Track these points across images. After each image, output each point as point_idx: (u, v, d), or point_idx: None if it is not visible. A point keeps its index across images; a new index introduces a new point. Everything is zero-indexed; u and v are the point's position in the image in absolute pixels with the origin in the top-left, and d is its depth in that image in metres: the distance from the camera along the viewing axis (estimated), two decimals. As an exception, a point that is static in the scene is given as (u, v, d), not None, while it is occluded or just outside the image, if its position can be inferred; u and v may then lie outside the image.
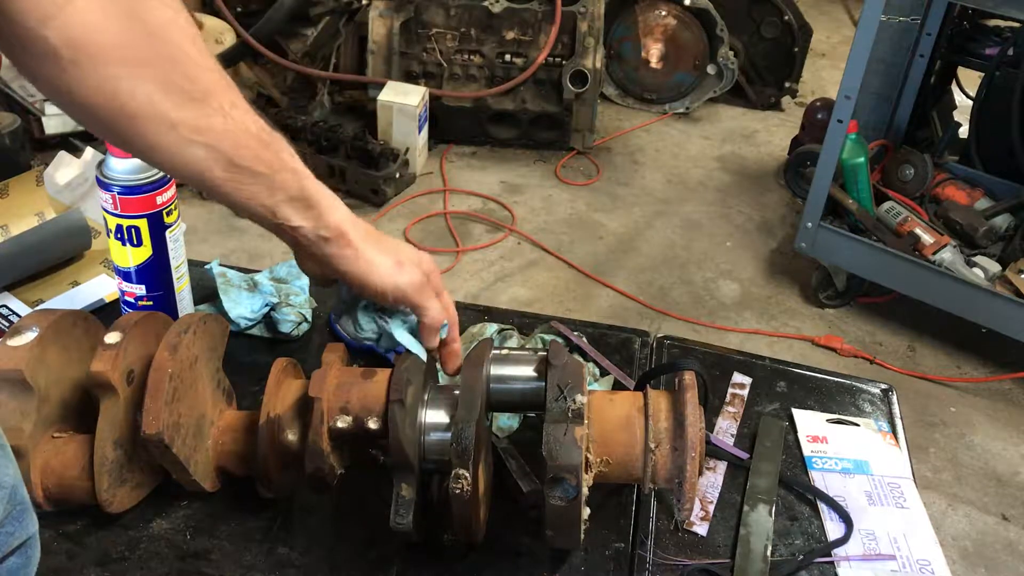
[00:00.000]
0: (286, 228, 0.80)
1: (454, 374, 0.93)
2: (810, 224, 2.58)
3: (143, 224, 0.95)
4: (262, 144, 0.77)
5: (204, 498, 0.86)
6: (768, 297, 2.80)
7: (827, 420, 1.04)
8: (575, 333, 1.11)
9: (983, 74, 2.79)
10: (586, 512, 0.77)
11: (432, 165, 3.35)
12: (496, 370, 0.83)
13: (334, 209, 0.82)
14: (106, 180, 0.93)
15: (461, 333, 1.10)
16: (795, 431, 1.02)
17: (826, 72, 4.32)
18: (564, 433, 0.74)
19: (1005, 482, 2.19)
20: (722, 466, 0.97)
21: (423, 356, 0.87)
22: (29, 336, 0.76)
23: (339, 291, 0.98)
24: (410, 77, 3.34)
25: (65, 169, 1.40)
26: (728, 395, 1.07)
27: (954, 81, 3.05)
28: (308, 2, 3.35)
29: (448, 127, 3.41)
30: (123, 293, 1.02)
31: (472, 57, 3.35)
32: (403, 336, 0.93)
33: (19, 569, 0.61)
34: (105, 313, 1.10)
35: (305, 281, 1.14)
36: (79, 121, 0.73)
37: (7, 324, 1.09)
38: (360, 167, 3.04)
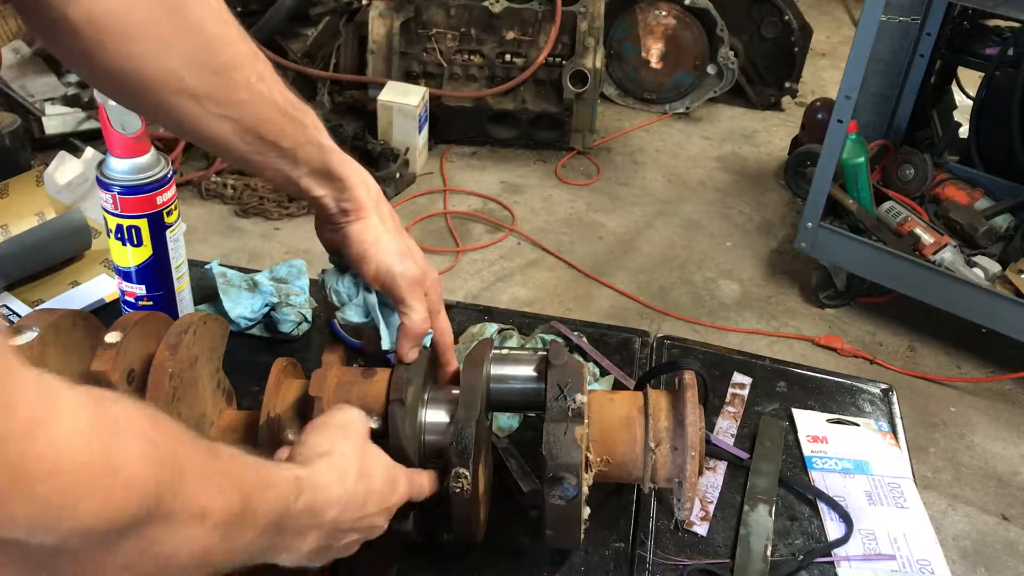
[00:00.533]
0: (309, 196, 0.82)
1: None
2: (810, 224, 2.58)
3: (143, 224, 0.95)
4: (288, 118, 0.77)
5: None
6: (768, 297, 2.80)
7: (827, 420, 1.04)
8: (575, 333, 1.11)
9: (983, 74, 2.79)
10: (586, 512, 0.77)
11: (432, 165, 3.35)
12: (496, 370, 0.83)
13: (360, 184, 0.83)
14: (106, 180, 0.93)
15: (461, 333, 1.10)
16: (795, 431, 1.02)
17: (826, 72, 4.32)
18: (564, 432, 0.74)
19: (1005, 482, 2.19)
20: (722, 466, 0.97)
21: (387, 347, 0.85)
22: (29, 336, 0.76)
23: (341, 257, 0.92)
24: (410, 77, 3.34)
25: (65, 169, 1.40)
26: (728, 395, 1.07)
27: (954, 81, 3.05)
28: (308, 2, 3.35)
29: (448, 127, 3.41)
30: (123, 293, 1.02)
31: (472, 57, 3.35)
32: (384, 320, 0.88)
33: None
34: (105, 313, 1.10)
35: (305, 281, 1.14)
36: (106, 93, 0.75)
37: (7, 324, 1.09)
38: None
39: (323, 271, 0.93)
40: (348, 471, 0.68)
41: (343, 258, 0.89)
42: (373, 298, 0.88)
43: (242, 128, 0.74)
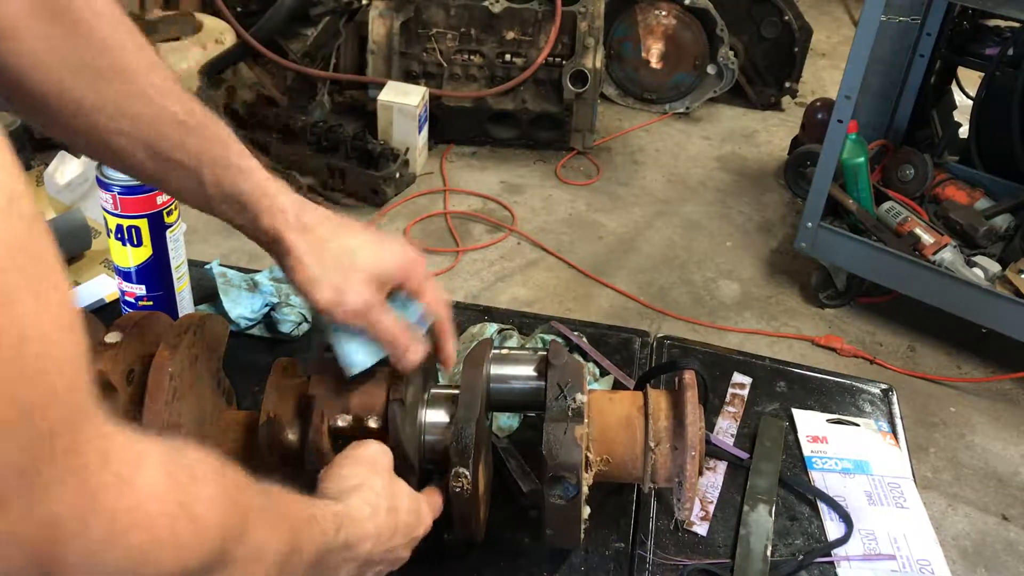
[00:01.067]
0: (231, 223, 0.74)
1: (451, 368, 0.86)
2: (810, 224, 2.58)
3: (143, 224, 0.95)
4: (187, 132, 0.69)
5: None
6: (768, 297, 2.80)
7: (827, 420, 1.04)
8: (575, 333, 1.12)
9: (983, 74, 2.79)
10: (586, 511, 0.77)
11: (432, 165, 3.35)
12: (496, 370, 0.83)
13: (274, 212, 0.72)
14: (106, 180, 0.93)
15: (461, 333, 1.10)
16: (795, 431, 1.02)
17: (826, 72, 4.32)
18: (564, 432, 0.74)
19: (1005, 482, 2.19)
20: (722, 466, 0.97)
21: (366, 364, 0.77)
22: (29, 336, 0.76)
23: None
24: (410, 77, 3.34)
25: (65, 169, 1.40)
26: (728, 395, 1.07)
27: (954, 81, 3.05)
28: (308, 2, 3.35)
29: (448, 127, 3.41)
30: (123, 293, 1.02)
31: (472, 57, 3.35)
32: (348, 345, 0.77)
33: None
34: (105, 313, 1.10)
35: (305, 281, 1.14)
36: (8, 107, 0.68)
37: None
38: (360, 167, 3.04)
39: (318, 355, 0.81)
40: (379, 505, 0.68)
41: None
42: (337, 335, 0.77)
43: (140, 143, 0.67)
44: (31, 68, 0.63)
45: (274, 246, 0.73)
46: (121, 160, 0.69)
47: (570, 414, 0.75)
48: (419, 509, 0.74)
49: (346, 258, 0.74)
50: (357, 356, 0.76)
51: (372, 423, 0.78)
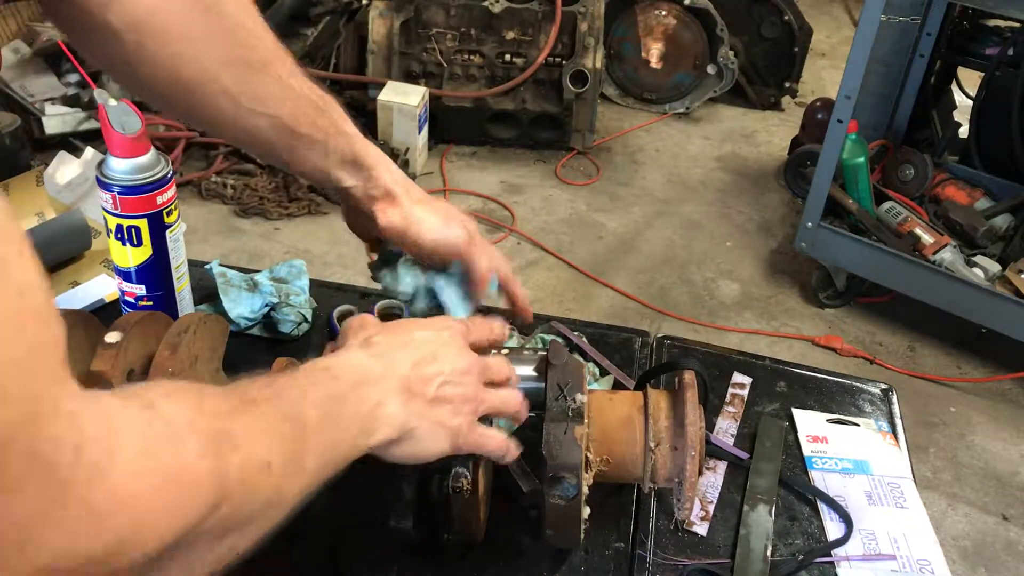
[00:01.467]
0: (339, 187, 0.83)
1: (530, 323, 0.95)
2: (810, 224, 2.58)
3: (143, 224, 0.95)
4: (318, 111, 0.78)
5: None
6: (768, 297, 2.80)
7: (827, 420, 1.04)
8: (575, 333, 1.11)
9: (983, 74, 2.79)
10: (586, 512, 0.77)
11: (432, 165, 3.35)
12: (496, 370, 0.83)
13: (385, 171, 0.83)
14: (106, 180, 0.93)
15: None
16: (795, 431, 1.02)
17: (826, 72, 4.32)
18: (564, 432, 0.74)
19: (1005, 482, 2.19)
20: (722, 466, 0.97)
21: (463, 315, 0.86)
22: (29, 336, 0.76)
23: (383, 247, 0.94)
24: (410, 77, 3.34)
25: (65, 169, 1.40)
26: (728, 395, 1.07)
27: (954, 81, 3.05)
28: (308, 2, 3.35)
29: (448, 127, 3.41)
30: (123, 293, 1.02)
31: (472, 57, 3.35)
32: (448, 292, 0.89)
33: None
34: (105, 313, 1.10)
35: (305, 281, 1.14)
36: (142, 96, 0.75)
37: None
38: (360, 167, 3.03)
39: (371, 266, 0.93)
40: (399, 338, 0.70)
41: (385, 246, 0.91)
42: (437, 280, 0.89)
43: (277, 124, 0.76)
44: (189, 65, 0.70)
45: (385, 200, 0.83)
46: (253, 137, 0.76)
47: (570, 414, 0.75)
48: (445, 323, 0.75)
49: (443, 208, 0.87)
50: (460, 307, 0.87)
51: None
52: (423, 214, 0.84)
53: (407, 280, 0.89)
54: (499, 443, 0.73)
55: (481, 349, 0.76)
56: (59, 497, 0.38)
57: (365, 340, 0.70)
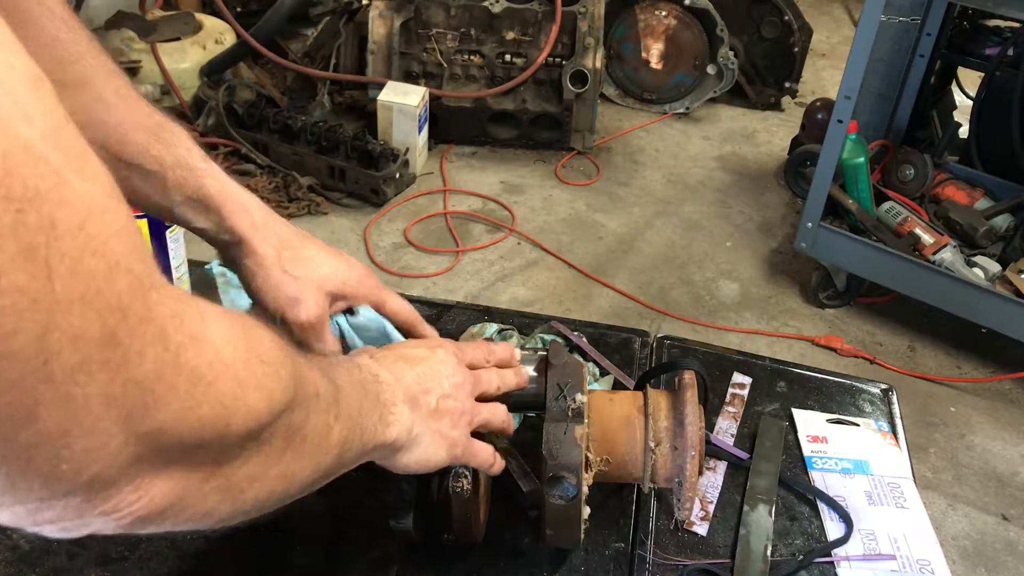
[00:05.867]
0: (193, 229, 0.74)
1: None
2: (810, 224, 2.58)
3: (143, 224, 0.95)
4: (153, 137, 0.69)
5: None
6: (768, 297, 2.80)
7: (827, 420, 1.04)
8: (575, 333, 1.11)
9: (983, 74, 2.79)
10: (586, 512, 0.77)
11: (432, 165, 3.35)
12: (496, 370, 0.83)
13: (236, 212, 0.73)
14: (106, 180, 0.93)
15: (461, 333, 1.10)
16: (795, 431, 1.02)
17: (826, 72, 4.32)
18: (564, 432, 0.74)
19: (1005, 482, 2.19)
20: (722, 466, 0.97)
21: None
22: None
23: None
24: (410, 77, 3.34)
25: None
26: (728, 395, 1.07)
27: (954, 81, 3.05)
28: (308, 2, 3.35)
29: (448, 127, 3.41)
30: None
31: (472, 57, 3.35)
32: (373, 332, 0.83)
33: None
34: (105, 313, 1.10)
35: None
36: None
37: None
38: (360, 167, 3.04)
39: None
40: (407, 352, 0.72)
41: None
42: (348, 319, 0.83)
43: (103, 150, 0.66)
44: None
45: (236, 248, 0.74)
46: None
47: (570, 414, 0.75)
48: (440, 344, 0.76)
49: (305, 267, 0.77)
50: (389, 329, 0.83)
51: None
52: (275, 279, 0.74)
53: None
54: (487, 455, 0.75)
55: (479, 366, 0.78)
56: (172, 362, 0.39)
57: (369, 354, 0.71)
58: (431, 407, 0.70)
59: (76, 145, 0.36)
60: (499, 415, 0.77)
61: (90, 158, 0.36)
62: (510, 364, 0.81)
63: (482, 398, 0.76)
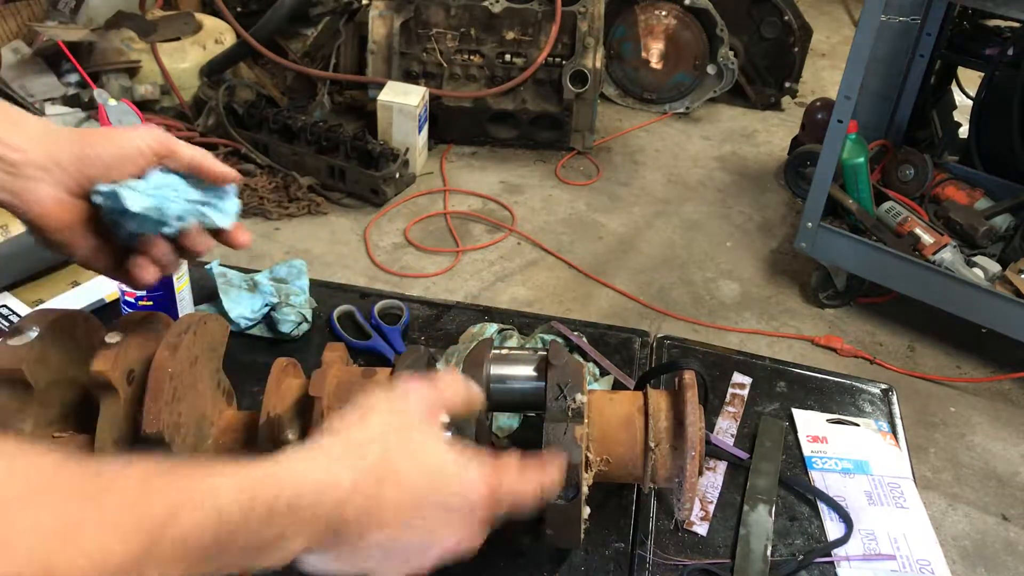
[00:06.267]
0: None
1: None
2: (810, 224, 2.58)
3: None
4: None
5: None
6: (768, 297, 2.80)
7: (827, 420, 1.04)
8: (575, 333, 1.11)
9: (983, 74, 2.79)
10: (586, 512, 0.77)
11: (432, 165, 3.35)
12: (496, 370, 0.83)
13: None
14: (106, 180, 0.93)
15: (461, 333, 1.10)
16: (795, 431, 1.02)
17: (826, 72, 4.32)
18: (564, 432, 0.74)
19: (1005, 482, 2.19)
20: (722, 466, 0.97)
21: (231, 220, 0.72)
22: (29, 336, 0.76)
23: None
24: (410, 77, 3.34)
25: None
26: (728, 395, 1.07)
27: (954, 81, 3.05)
28: (308, 2, 3.35)
29: (448, 127, 3.41)
30: (123, 293, 1.02)
31: (472, 57, 3.35)
32: (190, 197, 0.71)
33: None
34: (105, 313, 1.10)
35: (305, 281, 1.14)
36: None
37: (7, 324, 1.09)
38: (360, 167, 3.04)
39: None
40: (367, 453, 0.55)
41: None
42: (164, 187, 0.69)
43: None
44: None
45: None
46: None
47: (570, 414, 0.75)
48: (467, 475, 0.59)
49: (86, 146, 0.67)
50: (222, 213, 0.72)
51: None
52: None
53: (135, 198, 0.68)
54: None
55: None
56: None
57: (359, 427, 0.58)
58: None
59: None
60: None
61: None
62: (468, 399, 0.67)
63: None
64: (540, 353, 0.84)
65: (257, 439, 0.80)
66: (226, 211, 0.72)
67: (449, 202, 3.14)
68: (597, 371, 1.07)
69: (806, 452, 0.99)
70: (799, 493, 0.95)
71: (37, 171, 0.65)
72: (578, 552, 0.85)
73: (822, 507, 0.93)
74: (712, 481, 0.95)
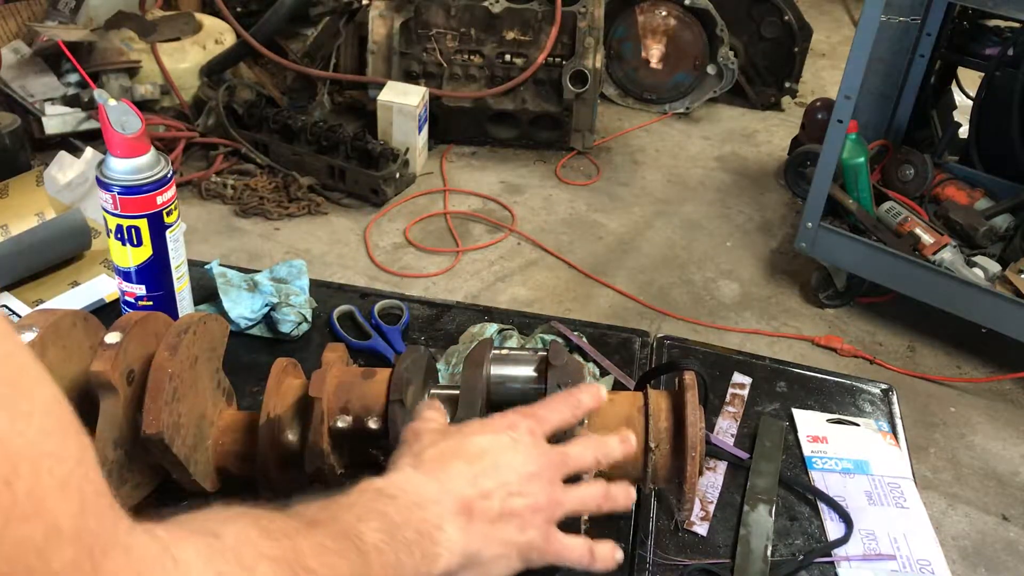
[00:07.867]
0: None
1: None
2: (810, 224, 2.58)
3: (143, 224, 0.95)
4: None
5: (204, 498, 0.86)
6: (768, 297, 2.80)
7: (827, 420, 1.04)
8: (575, 333, 1.11)
9: (983, 74, 2.79)
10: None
11: (432, 165, 3.35)
12: (496, 370, 0.83)
13: None
14: (106, 180, 0.93)
15: (461, 333, 1.10)
16: (795, 431, 1.02)
17: (826, 72, 4.32)
18: (564, 432, 0.74)
19: (1005, 482, 2.19)
20: (722, 466, 0.97)
21: None
22: (29, 336, 0.76)
23: None
24: (410, 77, 3.34)
25: (65, 169, 1.40)
26: (728, 395, 1.07)
27: (954, 81, 3.05)
28: (308, 2, 3.35)
29: (448, 127, 3.41)
30: (123, 293, 1.02)
31: (472, 57, 3.35)
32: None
33: None
34: (105, 313, 1.10)
35: (305, 281, 1.14)
36: None
37: (7, 324, 1.08)
38: (360, 167, 3.04)
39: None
40: (432, 458, 0.62)
41: None
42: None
43: None
44: None
45: None
46: None
47: (570, 414, 0.75)
48: (512, 422, 0.66)
49: None
50: None
51: (372, 424, 0.78)
52: None
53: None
54: (581, 552, 0.65)
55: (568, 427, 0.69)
56: None
57: (416, 457, 0.63)
58: (492, 512, 0.61)
59: (11, 372, 0.30)
60: (591, 501, 0.66)
61: (34, 388, 0.30)
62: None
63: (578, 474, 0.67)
64: (540, 353, 0.84)
65: (257, 439, 0.80)
66: None
67: (449, 202, 3.14)
68: (597, 371, 1.07)
69: (806, 452, 0.99)
70: (799, 493, 0.95)
71: None
72: (578, 552, 0.85)
73: (822, 507, 0.93)
74: (712, 481, 0.95)
